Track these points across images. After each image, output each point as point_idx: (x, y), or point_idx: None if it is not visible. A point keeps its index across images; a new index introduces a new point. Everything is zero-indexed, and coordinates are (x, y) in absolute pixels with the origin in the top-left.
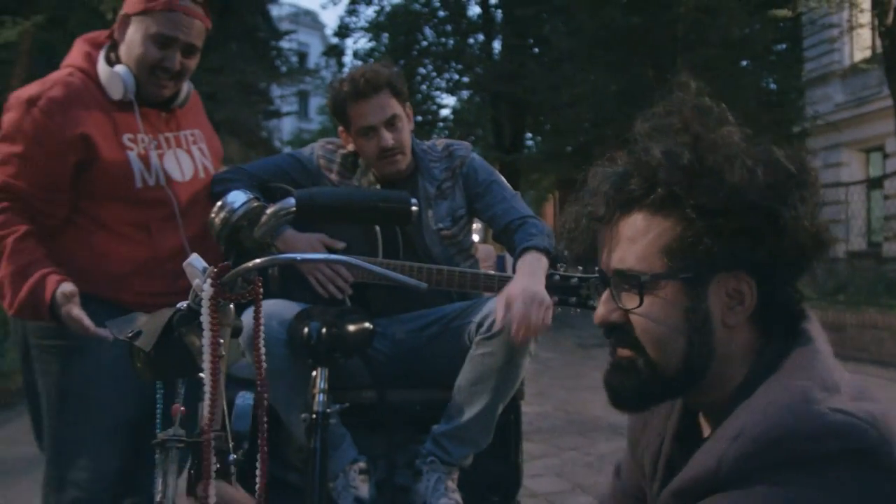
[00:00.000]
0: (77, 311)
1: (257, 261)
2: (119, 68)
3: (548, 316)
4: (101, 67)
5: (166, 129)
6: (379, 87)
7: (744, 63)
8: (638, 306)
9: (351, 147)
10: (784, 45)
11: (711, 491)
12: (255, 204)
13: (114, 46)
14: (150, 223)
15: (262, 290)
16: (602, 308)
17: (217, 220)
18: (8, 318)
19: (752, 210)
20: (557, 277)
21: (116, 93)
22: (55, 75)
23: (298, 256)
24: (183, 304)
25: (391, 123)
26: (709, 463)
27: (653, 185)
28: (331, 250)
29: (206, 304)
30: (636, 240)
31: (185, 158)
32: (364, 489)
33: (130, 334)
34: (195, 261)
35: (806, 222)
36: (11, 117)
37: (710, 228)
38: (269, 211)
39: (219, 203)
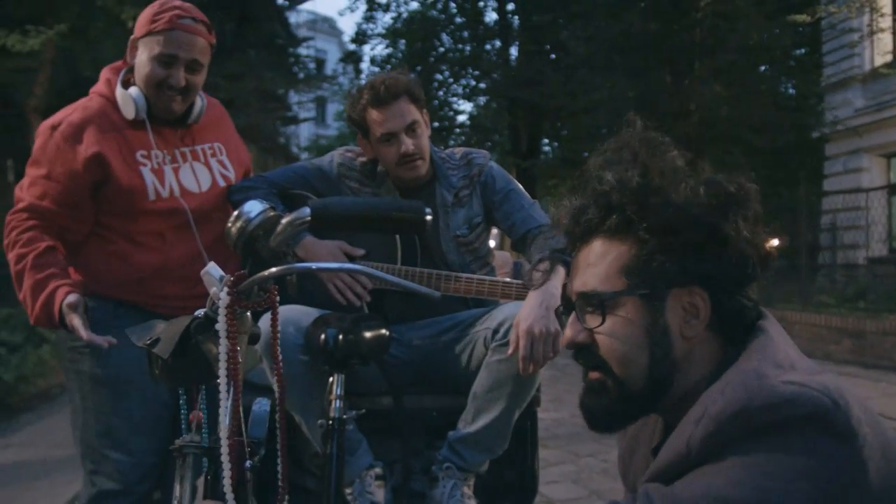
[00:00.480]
0: (76, 321)
1: (273, 269)
2: (132, 90)
3: (555, 347)
4: (118, 90)
5: (182, 144)
6: (398, 94)
7: (762, 68)
8: (601, 324)
9: (370, 155)
10: (803, 50)
11: (685, 472)
12: (271, 213)
13: (131, 70)
14: (165, 231)
15: (278, 297)
16: (569, 330)
17: (233, 230)
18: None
19: (696, 226)
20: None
21: (129, 112)
22: (78, 102)
23: (314, 266)
24: (200, 312)
25: (411, 129)
26: (679, 447)
27: (608, 212)
28: (350, 258)
29: (222, 312)
30: (596, 264)
31: (202, 171)
32: (380, 495)
33: (149, 341)
34: (212, 269)
35: (747, 234)
36: (39, 143)
37: (661, 246)
38: (284, 220)
39: (235, 213)
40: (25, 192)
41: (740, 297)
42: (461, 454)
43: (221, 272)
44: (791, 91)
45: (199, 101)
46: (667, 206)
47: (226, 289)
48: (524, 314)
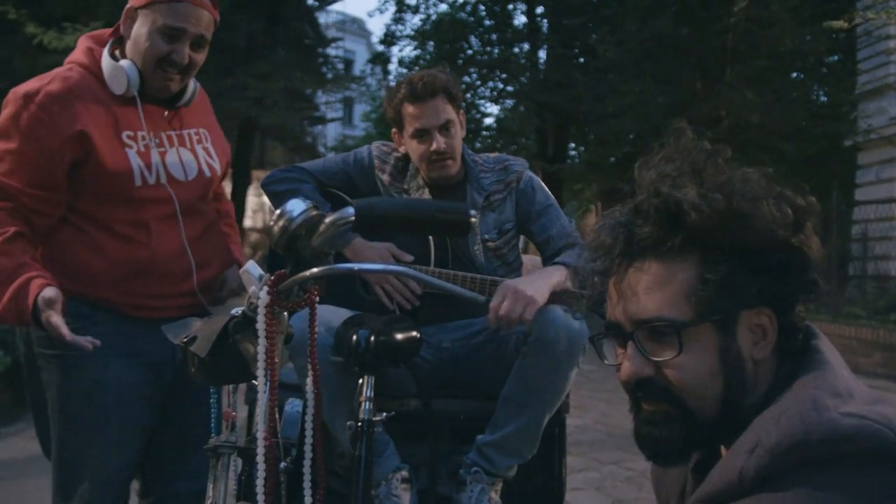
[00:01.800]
0: (56, 318)
1: (315, 270)
2: (123, 62)
3: (528, 311)
4: (105, 62)
5: (169, 126)
6: (435, 91)
7: (795, 75)
8: (677, 356)
9: (403, 149)
10: (836, 57)
11: (735, 500)
12: (314, 213)
13: (118, 42)
14: (150, 222)
15: (318, 298)
16: (631, 365)
17: (276, 229)
18: None
19: (782, 248)
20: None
21: (119, 87)
22: (55, 71)
23: (356, 266)
24: (238, 311)
25: (445, 128)
26: (730, 476)
27: (671, 232)
28: (399, 262)
29: (261, 311)
30: (656, 289)
31: (188, 157)
32: (406, 498)
33: (185, 339)
34: (251, 268)
35: (818, 250)
36: (8, 112)
37: (738, 268)
38: (327, 220)
39: (277, 211)
40: None
41: (798, 310)
42: (490, 458)
43: (261, 271)
44: (823, 99)
45: (192, 83)
46: (749, 228)
47: (266, 288)
48: (511, 281)
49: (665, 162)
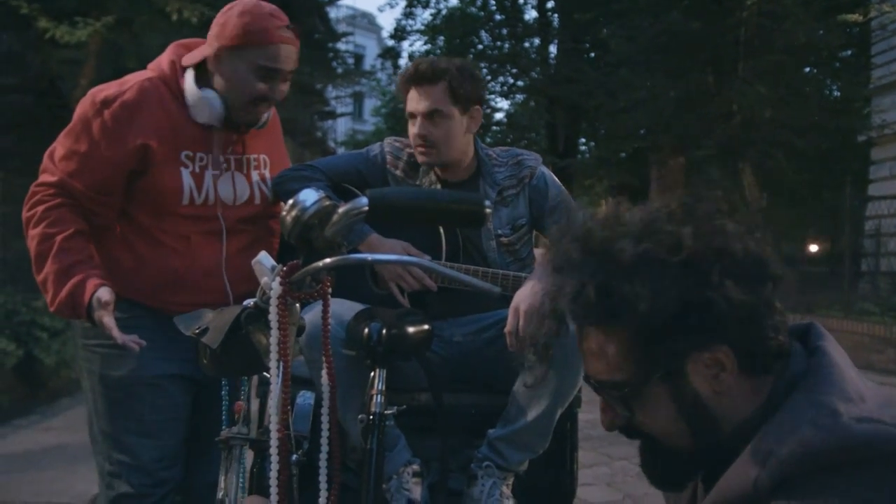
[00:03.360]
0: (108, 320)
1: (328, 260)
2: (209, 94)
3: (539, 325)
4: (190, 88)
5: (231, 151)
6: (434, 79)
7: (808, 70)
8: (631, 414)
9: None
10: (850, 52)
11: None
12: (327, 203)
13: (203, 69)
14: (191, 235)
15: (330, 289)
16: (604, 417)
17: (288, 219)
18: None
19: (681, 309)
20: None
21: (202, 116)
22: (133, 78)
23: (370, 257)
24: (250, 302)
25: (430, 116)
26: (744, 486)
27: (588, 307)
28: (424, 286)
29: (274, 302)
30: (600, 354)
31: (241, 183)
32: (417, 492)
33: (198, 330)
34: (263, 259)
35: (737, 293)
36: (83, 113)
37: (655, 332)
38: (340, 210)
39: (290, 201)
40: (57, 164)
41: (761, 331)
42: (501, 453)
43: (273, 262)
44: (837, 93)
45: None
46: (636, 305)
47: (278, 279)
48: (518, 292)
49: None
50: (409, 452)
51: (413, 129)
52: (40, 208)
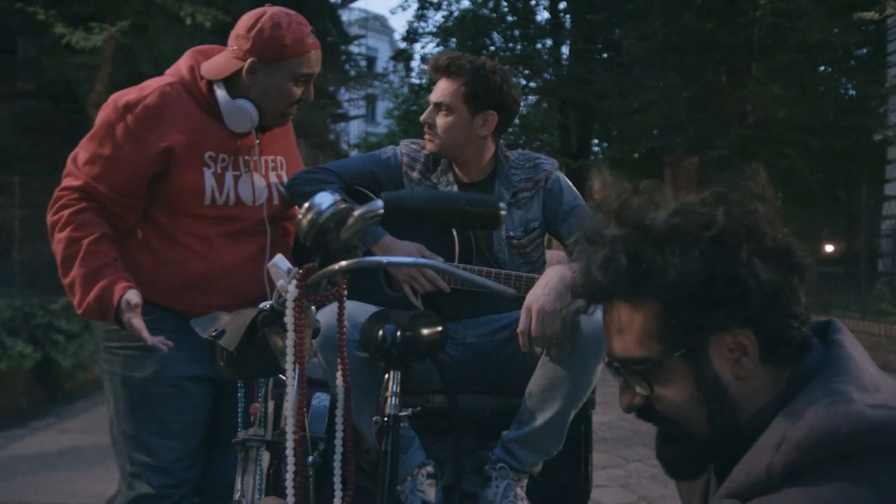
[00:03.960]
0: (137, 322)
1: (343, 263)
2: (244, 103)
3: (554, 325)
4: (223, 99)
5: (249, 152)
6: (450, 73)
7: (822, 69)
8: (651, 393)
9: None
10: (865, 50)
11: (764, 494)
12: (343, 206)
13: (232, 81)
14: (212, 237)
15: (346, 292)
16: (623, 398)
17: (304, 222)
18: None
19: (708, 282)
20: None
21: (241, 126)
22: (154, 83)
23: (385, 259)
24: (266, 305)
25: (437, 106)
26: (758, 473)
27: (622, 276)
28: (437, 288)
29: (290, 305)
30: (626, 330)
31: (260, 183)
32: (431, 493)
33: (214, 333)
34: (279, 262)
35: (765, 272)
36: (105, 118)
37: (682, 305)
38: (356, 213)
39: (306, 205)
40: (81, 168)
41: (785, 318)
42: (515, 454)
43: (289, 264)
44: (852, 92)
45: None
46: (666, 275)
47: (294, 281)
48: (530, 293)
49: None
50: (424, 454)
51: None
52: (66, 212)
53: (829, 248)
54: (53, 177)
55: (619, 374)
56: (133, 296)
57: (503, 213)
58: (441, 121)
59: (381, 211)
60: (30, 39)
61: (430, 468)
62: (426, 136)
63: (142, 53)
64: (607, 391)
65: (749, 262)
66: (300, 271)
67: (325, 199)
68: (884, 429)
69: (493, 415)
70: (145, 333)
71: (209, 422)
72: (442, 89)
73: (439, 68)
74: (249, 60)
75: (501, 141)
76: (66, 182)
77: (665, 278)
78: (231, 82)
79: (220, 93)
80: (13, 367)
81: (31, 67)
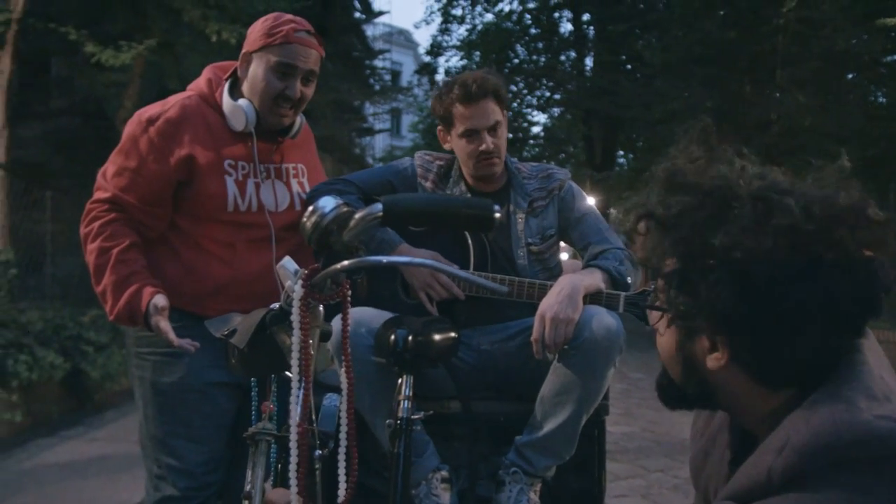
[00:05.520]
0: (164, 324)
1: (345, 262)
2: (242, 102)
3: (568, 332)
4: (226, 100)
5: (269, 160)
6: (486, 93)
7: (850, 76)
8: (657, 321)
9: (448, 146)
10: (894, 57)
11: (764, 497)
12: (345, 209)
13: (235, 82)
14: (237, 244)
15: (350, 291)
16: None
17: (308, 224)
18: (114, 325)
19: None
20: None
21: (239, 124)
22: (175, 98)
23: (385, 259)
24: (275, 305)
25: (493, 129)
26: (759, 475)
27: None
28: (452, 295)
29: (296, 304)
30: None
31: (282, 190)
32: (446, 498)
33: (226, 332)
34: (287, 263)
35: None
36: (131, 132)
37: (681, 280)
38: (357, 215)
39: (310, 208)
40: (110, 181)
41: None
42: (528, 458)
43: (296, 266)
44: (882, 100)
45: (299, 119)
46: (676, 238)
47: (300, 282)
48: (543, 301)
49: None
50: (438, 458)
51: (479, 145)
52: (96, 224)
53: None
54: (84, 192)
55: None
56: (160, 300)
57: (497, 215)
58: (499, 141)
59: (381, 213)
60: (63, 59)
61: (444, 473)
62: (493, 162)
63: (169, 70)
64: (631, 402)
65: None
66: (306, 272)
67: (328, 203)
68: (887, 441)
69: (508, 420)
70: (171, 335)
71: (233, 426)
72: (488, 111)
73: (479, 93)
74: (241, 54)
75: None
76: (97, 195)
77: (678, 237)
78: (234, 85)
79: (224, 95)
80: (44, 378)
81: (64, 86)
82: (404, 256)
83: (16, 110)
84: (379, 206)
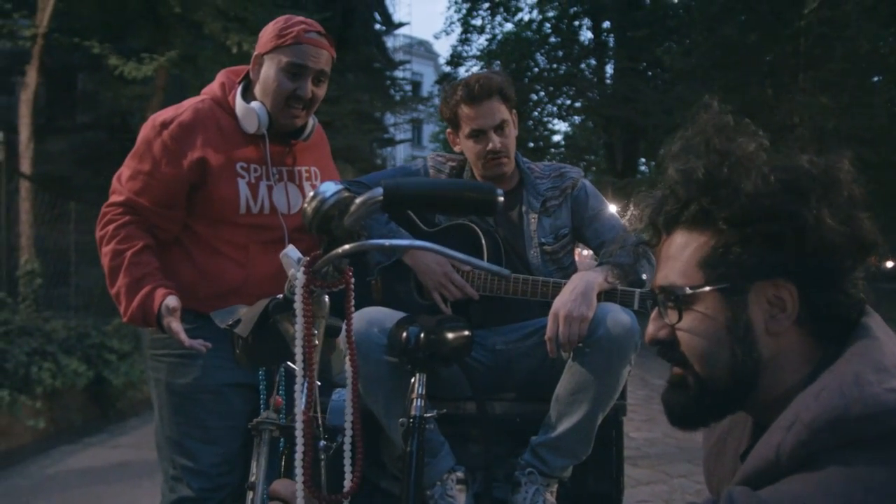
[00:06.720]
0: (175, 325)
1: (346, 247)
2: (254, 104)
3: (582, 329)
4: (238, 103)
5: (282, 162)
6: (491, 92)
7: (875, 79)
8: (679, 321)
9: (458, 148)
10: None
11: (774, 480)
12: (346, 194)
13: (248, 85)
14: (250, 245)
15: (352, 278)
16: (650, 326)
17: (309, 209)
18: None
19: (771, 215)
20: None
21: (251, 127)
22: (188, 101)
23: (387, 242)
24: (280, 295)
25: (500, 128)
26: (768, 454)
27: (686, 203)
28: (466, 295)
29: (299, 291)
30: (676, 257)
31: (294, 193)
32: (461, 499)
33: (231, 323)
34: (290, 251)
35: (831, 222)
36: (145, 136)
37: (737, 237)
38: (357, 200)
39: (311, 193)
40: (124, 184)
41: (835, 291)
42: (544, 459)
43: (299, 254)
44: None
45: (312, 120)
46: (735, 197)
47: (302, 269)
48: (557, 299)
49: (686, 139)
50: (453, 459)
51: (486, 145)
52: (111, 227)
53: (889, 263)
54: None
55: (656, 304)
56: (172, 301)
57: (500, 199)
58: (507, 140)
59: (381, 197)
60: (88, 74)
61: (459, 474)
62: (502, 161)
63: (192, 82)
64: (653, 408)
65: (817, 207)
66: (308, 259)
67: (329, 188)
68: None
69: (524, 421)
70: (182, 336)
71: (248, 428)
72: (493, 110)
73: (483, 93)
74: (253, 56)
75: (517, 152)
76: (112, 198)
77: (732, 200)
78: (247, 88)
79: (237, 98)
80: (68, 385)
81: (89, 101)
82: (405, 240)
83: (43, 126)
84: (379, 190)
